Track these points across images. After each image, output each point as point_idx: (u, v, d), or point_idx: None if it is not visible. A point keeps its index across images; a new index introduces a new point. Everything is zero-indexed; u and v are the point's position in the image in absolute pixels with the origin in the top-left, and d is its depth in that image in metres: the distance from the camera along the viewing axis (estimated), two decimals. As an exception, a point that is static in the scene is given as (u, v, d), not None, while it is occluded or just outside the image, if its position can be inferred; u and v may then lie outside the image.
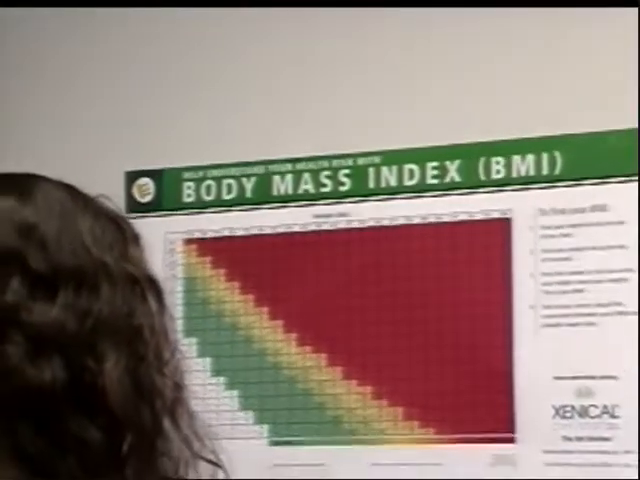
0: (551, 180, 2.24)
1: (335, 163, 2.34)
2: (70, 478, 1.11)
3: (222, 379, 2.39)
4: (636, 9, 2.32)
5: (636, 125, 2.22)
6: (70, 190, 1.19)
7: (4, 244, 1.13)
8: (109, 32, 2.58)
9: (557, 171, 2.24)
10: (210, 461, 1.19)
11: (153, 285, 1.20)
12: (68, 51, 2.65)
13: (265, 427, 2.39)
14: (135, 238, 1.21)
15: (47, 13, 2.63)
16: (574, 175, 2.23)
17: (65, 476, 1.11)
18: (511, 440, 2.20)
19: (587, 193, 2.22)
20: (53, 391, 1.10)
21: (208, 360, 2.36)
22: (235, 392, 2.40)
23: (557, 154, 2.24)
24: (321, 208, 2.34)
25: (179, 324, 2.26)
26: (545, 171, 2.25)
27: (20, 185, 1.20)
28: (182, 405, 1.18)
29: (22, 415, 1.11)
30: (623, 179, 2.22)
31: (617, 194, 2.20)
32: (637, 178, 2.21)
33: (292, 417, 2.36)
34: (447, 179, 2.29)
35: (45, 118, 2.57)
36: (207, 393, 2.34)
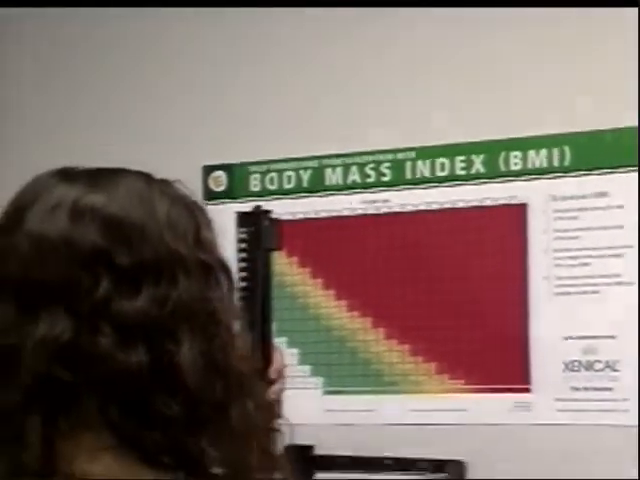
0: (561, 171, 2.35)
1: (378, 157, 2.46)
2: (155, 448, 1.12)
3: (284, 339, 2.44)
4: (636, 9, 2.30)
5: (635, 123, 2.25)
6: (147, 179, 1.19)
7: (94, 243, 1.12)
8: (182, 32, 2.61)
9: (566, 163, 2.35)
10: (277, 429, 1.20)
11: (224, 269, 1.18)
12: (150, 51, 2.69)
13: (320, 379, 2.52)
14: (207, 222, 1.20)
15: (131, 13, 2.65)
16: (581, 166, 2.34)
17: (151, 447, 1.12)
18: (527, 390, 2.32)
19: (592, 182, 2.32)
20: (139, 373, 1.11)
21: (274, 325, 2.43)
22: (295, 350, 2.51)
23: (566, 148, 2.35)
24: (366, 196, 2.46)
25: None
26: (556, 163, 2.36)
27: (104, 180, 1.18)
28: (252, 377, 1.18)
29: (113, 396, 1.11)
30: (622, 170, 2.29)
31: (617, 183, 2.29)
32: (636, 169, 2.26)
33: (342, 371, 2.48)
34: (473, 170, 2.40)
35: (133, 119, 2.64)
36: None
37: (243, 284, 1.88)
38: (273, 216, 1.86)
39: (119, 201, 1.15)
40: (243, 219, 1.91)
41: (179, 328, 1.12)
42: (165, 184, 1.18)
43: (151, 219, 1.14)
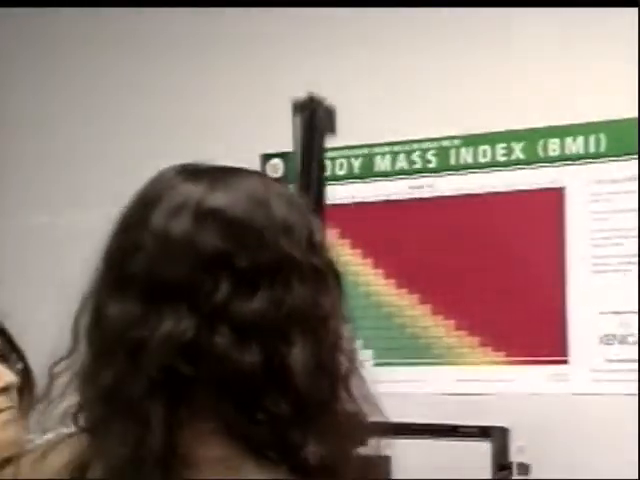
0: (597, 156, 2.37)
1: (423, 145, 2.50)
2: (262, 443, 1.13)
3: None
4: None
5: None
6: (265, 180, 1.20)
7: (216, 246, 1.12)
8: (239, 22, 2.63)
9: (602, 149, 2.36)
10: (376, 425, 1.18)
11: (334, 273, 1.18)
12: (211, 42, 2.71)
13: (370, 352, 2.53)
14: (318, 225, 1.20)
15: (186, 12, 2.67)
16: (615, 152, 2.35)
17: (258, 441, 1.13)
18: (565, 362, 2.36)
19: (625, 167, 2.33)
20: (252, 373, 1.11)
21: None
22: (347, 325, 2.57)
23: (602, 135, 2.36)
24: (413, 181, 2.50)
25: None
26: (592, 149, 2.37)
27: (226, 180, 1.18)
28: (354, 376, 1.17)
29: (227, 392, 1.13)
30: None
31: None
32: None
33: (391, 344, 2.53)
34: (513, 157, 2.44)
35: (199, 111, 2.67)
36: None
37: (300, 167, 1.87)
38: (327, 103, 1.86)
39: (240, 204, 1.14)
40: (299, 106, 1.89)
41: (291, 331, 1.12)
42: (281, 186, 1.19)
43: (269, 223, 1.14)
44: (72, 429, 1.17)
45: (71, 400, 1.16)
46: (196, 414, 1.12)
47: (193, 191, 1.14)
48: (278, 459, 1.10)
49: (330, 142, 2.43)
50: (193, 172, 1.16)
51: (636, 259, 2.35)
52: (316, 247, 1.15)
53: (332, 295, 1.14)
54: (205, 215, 1.12)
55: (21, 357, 1.67)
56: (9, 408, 1.60)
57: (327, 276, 1.14)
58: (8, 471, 1.22)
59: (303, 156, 1.82)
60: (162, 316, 1.10)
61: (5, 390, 1.58)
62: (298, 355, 1.10)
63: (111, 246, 1.16)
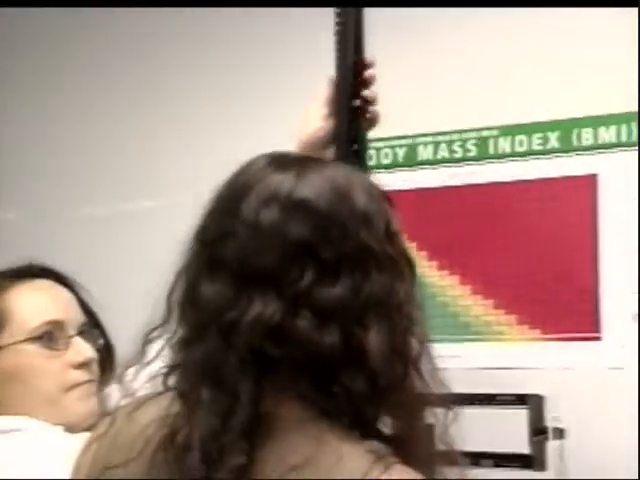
0: (628, 145, 2.37)
1: (464, 135, 2.54)
2: (339, 413, 1.18)
3: None
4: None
5: None
6: (348, 173, 1.22)
7: (303, 237, 1.16)
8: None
9: (633, 138, 2.37)
10: (444, 403, 1.22)
11: (407, 262, 1.22)
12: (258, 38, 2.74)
13: None
14: (394, 215, 1.23)
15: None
16: None
17: (334, 414, 1.17)
18: (598, 338, 2.39)
19: None
20: (330, 354, 1.15)
21: None
22: None
23: (633, 125, 2.37)
24: (454, 169, 2.54)
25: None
26: (623, 138, 2.38)
27: (313, 173, 1.20)
28: (425, 359, 1.21)
29: (307, 371, 1.17)
30: None
31: None
32: None
33: (434, 322, 2.44)
34: (548, 146, 2.46)
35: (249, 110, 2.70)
36: None
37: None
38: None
39: (325, 196, 1.17)
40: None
41: (368, 316, 1.15)
42: (361, 176, 1.23)
43: (351, 215, 1.17)
44: (160, 389, 1.22)
45: (161, 363, 1.22)
46: (279, 390, 1.16)
47: (282, 182, 1.17)
48: (352, 425, 1.16)
49: (376, 133, 2.52)
50: (282, 163, 1.19)
51: None
52: (392, 237, 1.18)
53: (406, 283, 1.18)
54: (293, 207, 1.15)
55: (103, 333, 1.71)
56: (89, 382, 1.66)
57: (401, 265, 1.19)
58: (105, 420, 1.26)
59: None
60: (252, 300, 1.14)
61: (85, 365, 1.62)
62: (374, 338, 1.13)
63: (204, 229, 1.21)
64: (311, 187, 1.17)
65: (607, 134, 2.41)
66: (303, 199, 1.15)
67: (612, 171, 2.40)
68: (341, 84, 1.73)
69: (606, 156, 2.42)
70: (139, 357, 1.22)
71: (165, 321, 1.21)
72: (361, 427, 1.17)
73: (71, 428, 1.60)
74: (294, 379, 1.16)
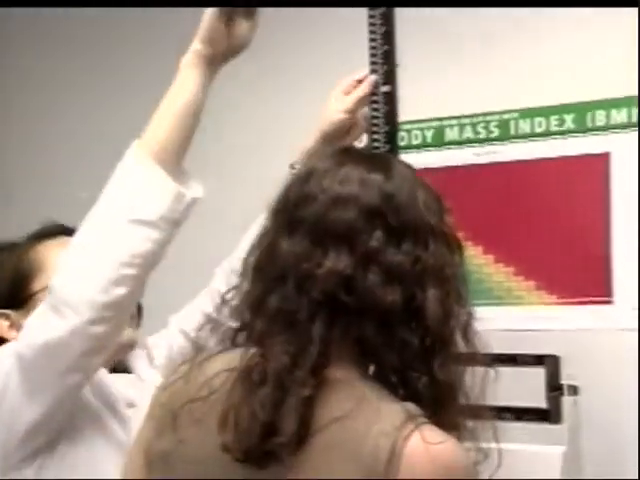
0: (637, 125, 2.38)
1: (487, 118, 2.58)
2: (389, 366, 1.25)
3: None
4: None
5: None
6: (411, 169, 1.36)
7: (375, 204, 1.25)
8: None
9: None
10: (485, 366, 1.30)
11: (458, 243, 1.33)
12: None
13: None
14: (449, 210, 1.35)
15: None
16: None
17: (388, 364, 1.25)
18: (609, 302, 2.42)
19: None
20: (391, 308, 1.23)
21: None
22: None
23: None
24: (477, 149, 2.58)
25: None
26: (634, 119, 2.39)
27: (383, 164, 1.32)
28: (471, 326, 1.30)
29: (371, 318, 1.23)
30: None
31: None
32: None
33: None
34: (565, 127, 2.48)
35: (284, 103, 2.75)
36: None
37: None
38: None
39: (394, 181, 1.28)
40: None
41: (426, 281, 1.24)
42: (422, 178, 1.35)
43: (414, 200, 1.28)
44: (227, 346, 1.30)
45: (233, 324, 1.30)
46: (345, 334, 1.24)
47: (354, 170, 1.28)
48: (397, 383, 1.24)
49: (407, 117, 2.42)
50: (352, 154, 1.33)
51: None
52: (447, 223, 1.31)
53: (457, 258, 1.30)
54: (367, 183, 1.27)
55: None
56: None
57: (453, 242, 1.30)
58: (182, 368, 1.33)
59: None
60: (326, 254, 1.23)
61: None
62: (430, 299, 1.23)
63: (285, 199, 1.30)
64: (382, 173, 1.28)
65: (619, 116, 2.43)
66: (376, 180, 1.27)
67: (623, 150, 2.42)
68: (374, 71, 1.78)
69: (618, 136, 2.42)
70: (218, 314, 1.31)
71: (241, 283, 1.29)
72: (405, 387, 1.24)
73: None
74: (359, 327, 1.23)
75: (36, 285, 1.67)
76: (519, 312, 2.53)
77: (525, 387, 2.15)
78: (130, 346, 1.72)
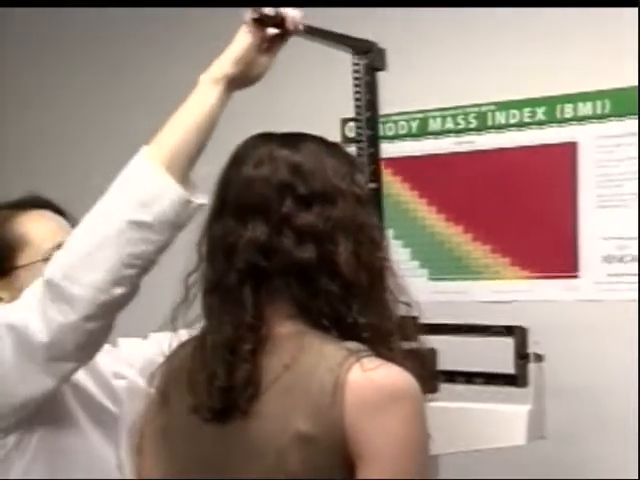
0: (602, 117, 2.46)
1: (466, 110, 2.63)
2: (319, 314, 1.28)
3: (400, 242, 2.67)
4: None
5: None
6: (320, 141, 1.35)
7: (282, 177, 1.28)
8: None
9: (606, 111, 2.45)
10: (406, 303, 1.33)
11: (369, 199, 1.34)
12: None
13: (426, 270, 2.69)
14: (359, 168, 1.38)
15: None
16: (615, 113, 2.44)
17: (316, 313, 1.28)
18: (575, 276, 2.50)
19: (625, 125, 2.42)
20: (309, 264, 1.26)
21: (391, 232, 2.56)
22: (408, 249, 2.69)
23: (606, 101, 2.45)
24: (458, 138, 2.64)
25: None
26: (599, 112, 2.46)
27: (292, 141, 1.34)
28: (387, 270, 1.30)
29: (293, 277, 1.26)
30: None
31: None
32: None
33: (442, 264, 2.67)
34: (536, 118, 2.53)
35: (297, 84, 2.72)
36: (394, 253, 2.32)
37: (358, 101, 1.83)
38: (380, 46, 1.85)
39: (301, 154, 1.31)
40: (357, 47, 1.87)
41: (337, 235, 1.27)
42: (333, 145, 1.36)
43: (320, 165, 1.30)
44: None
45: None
46: (273, 295, 1.27)
47: (268, 148, 1.31)
48: (330, 326, 1.26)
49: (394, 109, 2.62)
50: (268, 137, 1.34)
51: (632, 197, 2.42)
52: (356, 183, 1.32)
53: (368, 213, 1.31)
54: (277, 159, 1.29)
55: None
56: None
57: (364, 200, 1.31)
58: (173, 346, 1.37)
59: (366, 94, 1.86)
60: (246, 227, 1.27)
61: None
62: (342, 252, 1.26)
63: (216, 188, 1.33)
64: (290, 148, 1.31)
65: (585, 108, 2.48)
66: (284, 155, 1.29)
67: (589, 139, 2.48)
68: (359, 120, 1.83)
69: (584, 127, 2.48)
70: (184, 299, 1.31)
71: (197, 267, 1.32)
72: (338, 328, 1.26)
73: None
74: (284, 287, 1.26)
75: (21, 259, 1.61)
76: (495, 285, 2.59)
77: (496, 355, 2.13)
78: None
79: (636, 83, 2.41)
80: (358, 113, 1.84)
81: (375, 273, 1.28)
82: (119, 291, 1.39)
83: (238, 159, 1.33)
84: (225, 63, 1.45)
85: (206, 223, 1.33)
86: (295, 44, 2.66)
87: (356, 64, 1.83)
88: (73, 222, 1.60)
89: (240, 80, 1.47)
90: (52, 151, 3.20)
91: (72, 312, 1.38)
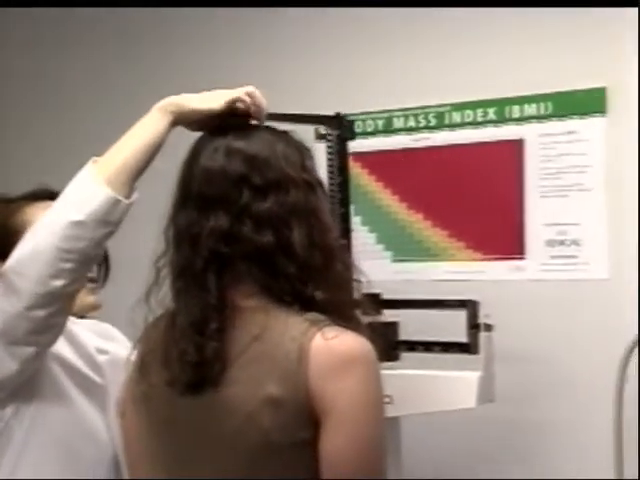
0: (545, 117, 2.53)
1: (426, 110, 2.68)
2: (281, 292, 1.28)
3: (366, 227, 2.71)
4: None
5: (599, 85, 2.42)
6: (272, 130, 1.34)
7: (239, 170, 1.28)
8: None
9: (549, 112, 2.52)
10: (358, 280, 1.32)
11: (320, 184, 1.33)
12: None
13: (389, 252, 2.72)
14: (309, 155, 1.34)
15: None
16: (557, 114, 2.51)
17: (277, 291, 1.27)
18: (522, 258, 2.56)
19: (565, 124, 2.50)
20: (268, 248, 1.26)
21: (359, 219, 2.65)
22: (374, 234, 2.74)
23: (549, 103, 2.53)
24: (418, 135, 2.69)
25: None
26: (542, 112, 2.53)
27: (246, 133, 1.33)
28: (339, 249, 1.31)
29: (254, 261, 1.26)
30: (587, 116, 2.46)
31: (583, 125, 2.48)
32: (597, 116, 2.42)
33: (403, 247, 2.71)
34: (488, 118, 2.60)
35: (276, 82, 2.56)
36: (359, 237, 2.52)
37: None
38: (349, 119, 1.97)
39: (254, 145, 1.30)
40: (330, 123, 1.97)
41: (291, 220, 1.27)
42: (284, 133, 1.35)
43: (273, 155, 1.29)
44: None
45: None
46: (237, 278, 1.28)
47: (223, 140, 1.30)
48: (292, 302, 1.27)
49: (362, 109, 2.68)
50: (221, 130, 1.33)
51: (571, 188, 2.48)
52: (306, 168, 1.32)
53: (319, 198, 1.31)
54: (232, 153, 1.29)
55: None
56: (94, 281, 1.67)
57: (315, 185, 1.31)
58: (151, 321, 1.37)
59: (337, 161, 1.94)
60: (208, 218, 1.27)
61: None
62: (297, 236, 1.26)
63: (178, 179, 1.33)
64: (244, 140, 1.30)
65: (530, 109, 2.54)
66: (238, 148, 1.29)
67: (533, 136, 2.54)
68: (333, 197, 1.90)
69: (530, 125, 2.54)
70: (154, 282, 1.32)
71: (165, 252, 1.32)
72: (300, 302, 1.27)
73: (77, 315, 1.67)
74: (247, 270, 1.26)
75: None
76: (451, 266, 2.65)
77: (451, 326, 2.20)
78: (92, 309, 1.72)
79: (575, 87, 2.49)
80: (331, 177, 1.91)
81: (327, 252, 1.28)
82: (58, 283, 1.42)
83: (197, 152, 1.33)
84: (183, 105, 1.42)
85: (171, 212, 1.33)
86: (270, 46, 2.74)
87: (329, 134, 1.92)
88: None
89: (187, 124, 1.45)
90: (59, 146, 3.16)
91: (18, 302, 1.44)
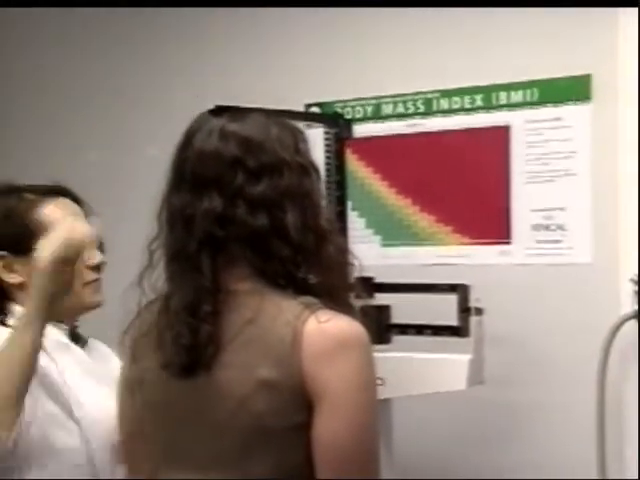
0: (532, 104, 2.51)
1: (415, 97, 2.66)
2: (274, 275, 1.26)
3: (357, 212, 2.69)
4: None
5: (582, 72, 2.41)
6: (267, 114, 1.33)
7: (233, 153, 1.26)
8: None
9: (535, 99, 2.51)
10: (351, 264, 1.31)
11: (313, 167, 1.31)
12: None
13: (379, 237, 2.71)
14: (303, 138, 1.32)
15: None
16: (543, 100, 2.50)
17: (271, 274, 1.26)
18: (508, 243, 2.55)
19: (551, 110, 2.49)
20: (262, 230, 1.25)
21: (350, 204, 2.50)
22: (364, 219, 2.73)
23: (535, 90, 2.51)
24: (407, 121, 2.68)
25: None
26: (528, 99, 2.51)
27: (240, 116, 1.31)
28: (333, 233, 1.29)
29: (248, 244, 1.25)
30: (571, 103, 2.45)
31: (568, 111, 2.47)
32: (582, 103, 2.42)
33: (393, 231, 2.70)
34: (475, 105, 2.58)
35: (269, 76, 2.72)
36: (351, 222, 2.51)
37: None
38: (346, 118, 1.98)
39: (248, 127, 1.28)
40: (328, 122, 2.03)
41: (285, 203, 1.25)
42: (277, 117, 1.33)
43: (267, 138, 1.28)
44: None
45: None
46: (230, 261, 1.26)
47: (218, 122, 1.28)
48: (286, 285, 1.26)
49: (352, 95, 2.68)
50: (218, 112, 1.32)
51: (556, 173, 2.47)
52: (300, 152, 1.30)
53: (312, 180, 1.29)
54: (226, 136, 1.27)
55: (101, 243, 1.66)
56: (98, 279, 1.60)
57: (308, 169, 1.29)
58: (142, 308, 1.34)
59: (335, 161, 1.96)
60: (202, 200, 1.25)
61: (97, 267, 1.59)
62: (290, 218, 1.24)
63: (173, 162, 1.30)
64: (238, 123, 1.28)
65: (517, 96, 2.53)
66: (233, 129, 1.27)
67: (520, 123, 2.53)
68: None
69: (516, 112, 2.53)
70: (148, 265, 1.30)
71: (158, 234, 1.30)
72: (293, 286, 1.26)
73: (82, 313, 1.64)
74: (241, 253, 1.24)
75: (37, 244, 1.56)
76: (440, 250, 2.64)
77: (442, 309, 2.19)
78: (96, 307, 1.66)
79: (560, 74, 2.46)
80: (328, 175, 1.90)
81: (321, 236, 1.27)
82: None
83: (192, 134, 1.31)
84: (37, 312, 1.38)
85: (165, 194, 1.31)
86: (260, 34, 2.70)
87: (327, 133, 1.92)
88: (87, 210, 1.65)
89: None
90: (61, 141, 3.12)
91: None
